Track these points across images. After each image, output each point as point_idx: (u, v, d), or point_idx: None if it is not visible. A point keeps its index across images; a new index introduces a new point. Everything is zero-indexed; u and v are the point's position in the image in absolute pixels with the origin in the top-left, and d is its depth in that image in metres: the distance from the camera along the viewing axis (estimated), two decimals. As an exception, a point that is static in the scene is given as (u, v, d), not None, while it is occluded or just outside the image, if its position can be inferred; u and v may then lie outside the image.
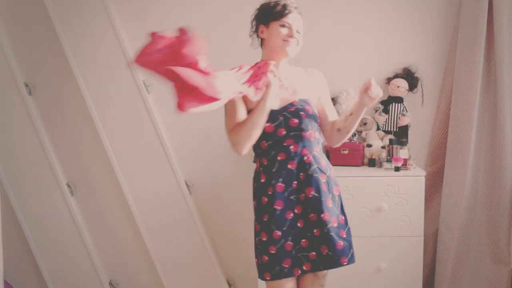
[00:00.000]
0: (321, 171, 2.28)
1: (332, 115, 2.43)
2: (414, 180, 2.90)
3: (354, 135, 3.16)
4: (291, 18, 2.31)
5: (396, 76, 3.18)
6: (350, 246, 2.30)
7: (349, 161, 3.03)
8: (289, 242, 2.24)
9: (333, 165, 3.01)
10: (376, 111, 3.21)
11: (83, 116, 3.29)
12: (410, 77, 3.17)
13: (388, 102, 3.17)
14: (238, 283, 3.41)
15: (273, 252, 2.23)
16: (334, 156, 3.04)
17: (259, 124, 2.21)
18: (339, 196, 2.33)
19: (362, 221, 2.89)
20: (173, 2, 3.23)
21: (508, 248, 2.99)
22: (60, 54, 3.21)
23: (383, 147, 3.06)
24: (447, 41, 3.20)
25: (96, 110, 3.19)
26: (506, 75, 2.94)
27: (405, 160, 2.94)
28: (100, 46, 3.16)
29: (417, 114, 3.24)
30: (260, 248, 2.27)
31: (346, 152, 3.03)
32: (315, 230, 2.24)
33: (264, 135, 2.25)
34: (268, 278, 2.25)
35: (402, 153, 2.95)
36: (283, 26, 2.29)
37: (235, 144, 2.22)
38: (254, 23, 2.40)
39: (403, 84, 3.14)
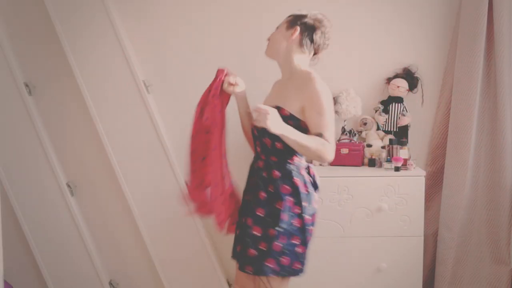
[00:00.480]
0: (270, 181, 2.31)
1: (313, 128, 2.26)
2: (414, 180, 2.90)
3: (354, 135, 3.15)
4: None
5: (396, 76, 3.18)
6: (262, 259, 2.26)
7: (349, 161, 3.03)
8: (238, 230, 2.45)
9: (333, 165, 3.03)
10: (376, 111, 3.21)
11: (83, 116, 3.29)
12: (410, 77, 3.17)
13: (388, 102, 3.17)
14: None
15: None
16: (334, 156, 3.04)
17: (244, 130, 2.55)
18: (281, 210, 2.27)
19: (362, 221, 2.89)
20: (173, 2, 3.23)
21: (508, 248, 2.99)
22: (60, 54, 3.21)
23: (383, 147, 3.06)
24: (447, 41, 3.20)
25: (96, 110, 3.19)
26: (506, 75, 2.94)
27: (405, 160, 2.94)
28: (100, 46, 3.16)
29: (417, 114, 3.24)
30: None
31: (346, 152, 3.03)
32: (238, 231, 2.43)
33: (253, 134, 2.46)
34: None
35: (402, 153, 2.95)
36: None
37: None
38: (300, 25, 2.39)
39: (403, 84, 3.14)
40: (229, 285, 3.33)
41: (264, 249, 2.27)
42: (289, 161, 2.33)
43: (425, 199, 3.01)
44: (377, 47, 3.23)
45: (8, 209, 3.34)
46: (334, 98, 3.14)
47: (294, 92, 2.30)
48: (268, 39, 2.46)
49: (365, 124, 3.22)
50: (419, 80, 3.19)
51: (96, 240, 3.41)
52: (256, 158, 2.44)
